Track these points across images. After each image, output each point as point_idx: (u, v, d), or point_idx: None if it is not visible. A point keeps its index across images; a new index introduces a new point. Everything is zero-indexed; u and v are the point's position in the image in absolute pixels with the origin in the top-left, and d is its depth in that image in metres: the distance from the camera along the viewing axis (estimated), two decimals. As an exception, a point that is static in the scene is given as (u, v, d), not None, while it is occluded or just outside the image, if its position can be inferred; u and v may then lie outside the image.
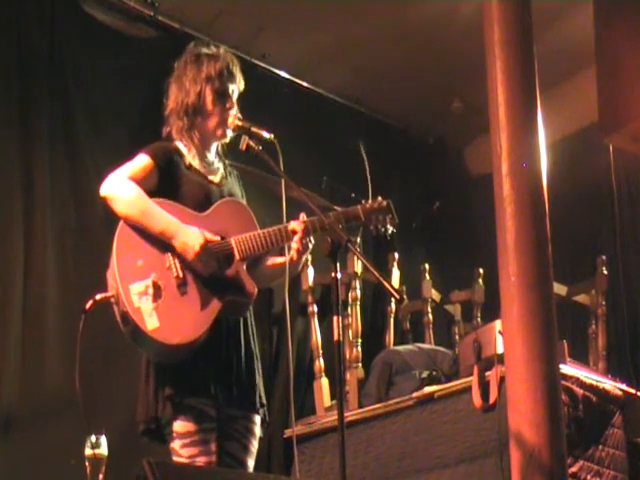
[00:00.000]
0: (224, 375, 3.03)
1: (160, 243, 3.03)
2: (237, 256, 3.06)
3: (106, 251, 3.03)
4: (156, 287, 2.96)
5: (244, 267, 3.07)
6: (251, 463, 3.13)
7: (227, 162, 3.34)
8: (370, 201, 3.18)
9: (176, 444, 2.96)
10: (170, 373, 3.00)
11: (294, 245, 3.09)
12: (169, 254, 3.02)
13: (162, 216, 3.03)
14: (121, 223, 3.05)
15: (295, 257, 3.12)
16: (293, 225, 3.08)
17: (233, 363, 3.05)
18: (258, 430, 3.16)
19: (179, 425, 2.96)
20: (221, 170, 3.29)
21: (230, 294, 3.03)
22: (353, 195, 3.20)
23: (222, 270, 3.04)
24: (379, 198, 3.19)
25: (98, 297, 2.97)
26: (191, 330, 2.95)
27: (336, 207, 3.19)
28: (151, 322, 2.92)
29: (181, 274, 3.00)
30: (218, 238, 3.05)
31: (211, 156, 3.27)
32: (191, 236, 3.00)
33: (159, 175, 3.13)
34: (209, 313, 2.98)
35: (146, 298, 2.94)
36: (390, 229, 3.20)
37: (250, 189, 3.43)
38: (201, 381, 2.99)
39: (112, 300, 2.97)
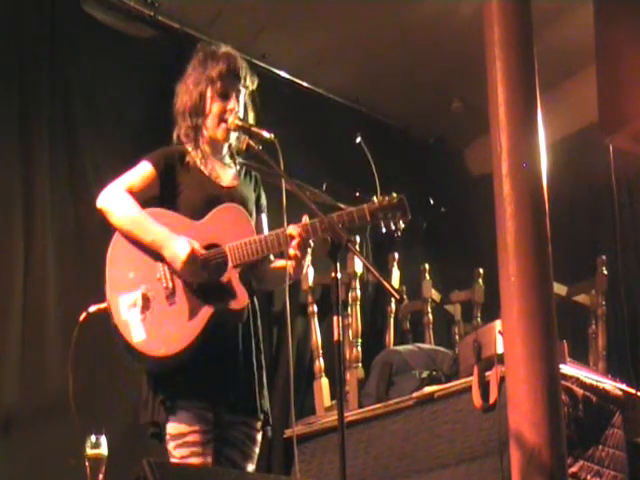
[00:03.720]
0: (221, 380, 3.01)
1: (152, 254, 3.02)
2: (230, 263, 3.04)
3: (105, 252, 3.03)
4: (145, 299, 2.96)
5: (237, 275, 3.05)
6: (251, 468, 3.12)
7: (241, 162, 3.32)
8: (380, 197, 3.07)
9: (170, 445, 2.97)
10: (166, 378, 2.99)
11: (291, 252, 3.04)
12: (160, 264, 3.02)
13: (152, 226, 3.03)
14: (116, 235, 3.06)
15: (293, 264, 3.08)
16: (290, 230, 3.03)
17: (231, 369, 3.04)
18: (259, 436, 3.14)
19: (171, 427, 2.96)
20: (233, 171, 3.27)
21: (220, 303, 3.01)
22: (357, 194, 3.15)
23: (214, 278, 3.02)
24: (393, 194, 3.08)
25: (91, 310, 2.99)
26: (177, 341, 2.94)
27: (341, 205, 3.15)
28: (138, 334, 2.92)
29: (170, 285, 2.99)
30: (204, 251, 3.03)
31: (221, 157, 3.26)
32: (179, 246, 2.99)
33: (161, 182, 3.13)
34: (197, 323, 2.97)
35: (134, 310, 2.95)
36: (402, 226, 3.09)
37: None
38: (196, 385, 2.98)
39: (107, 311, 2.98)
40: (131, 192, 3.07)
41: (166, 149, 3.22)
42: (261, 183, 3.36)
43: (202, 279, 3.00)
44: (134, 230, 3.02)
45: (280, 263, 3.19)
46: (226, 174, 3.23)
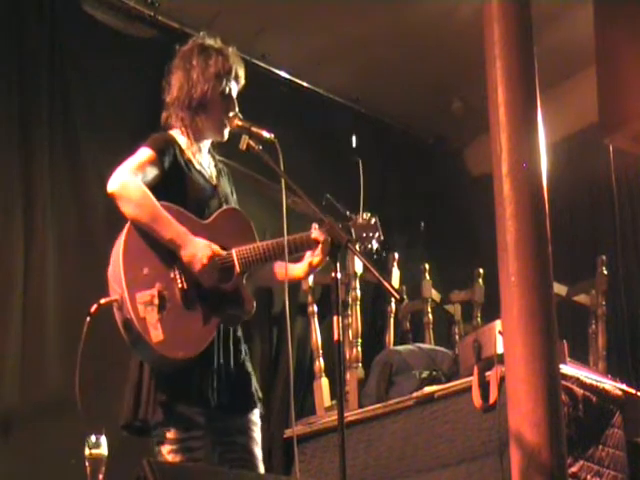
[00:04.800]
0: (219, 380, 3.02)
1: (166, 251, 3.00)
2: (237, 269, 3.04)
3: (106, 251, 3.02)
4: (161, 297, 2.93)
5: (244, 280, 3.06)
6: (258, 451, 3.12)
7: (218, 158, 3.33)
8: (359, 217, 3.16)
9: (164, 449, 2.96)
10: (165, 379, 2.98)
11: (318, 252, 3.09)
12: (174, 264, 3.00)
13: (171, 224, 2.99)
14: (128, 226, 3.00)
15: (315, 263, 3.13)
16: (316, 234, 3.08)
17: (225, 366, 3.04)
18: (258, 419, 3.16)
19: (168, 431, 2.95)
20: (212, 167, 3.28)
21: (229, 309, 3.03)
22: (348, 213, 3.18)
23: (223, 282, 3.03)
24: (367, 214, 3.17)
25: (103, 301, 2.95)
26: (194, 345, 2.94)
27: (325, 219, 3.16)
28: (155, 334, 2.89)
29: (185, 286, 2.98)
30: (224, 252, 3.04)
31: (205, 151, 3.26)
32: (199, 248, 2.99)
33: (162, 170, 3.09)
34: (211, 327, 2.98)
35: (151, 308, 2.91)
36: (376, 246, 3.18)
37: (247, 190, 3.42)
38: (195, 389, 2.97)
39: (115, 305, 2.96)
40: (140, 177, 3.03)
41: (164, 136, 3.17)
42: (232, 177, 3.38)
43: (215, 283, 3.01)
44: (152, 224, 2.97)
45: (296, 269, 3.20)
46: (210, 170, 3.24)
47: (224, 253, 3.04)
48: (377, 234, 3.17)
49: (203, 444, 2.98)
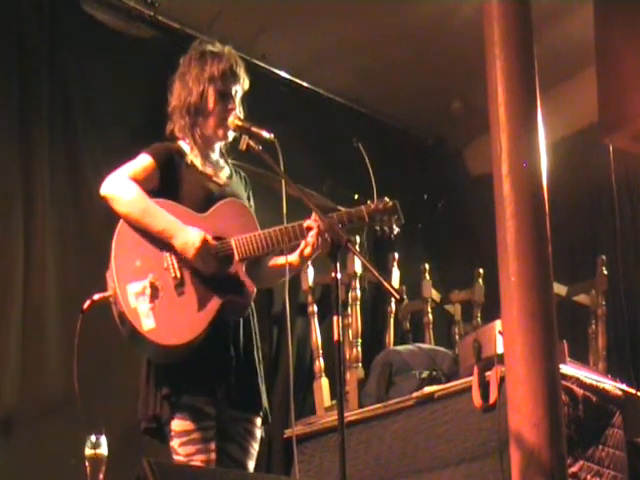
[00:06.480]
0: (224, 375, 3.02)
1: (159, 243, 3.02)
2: (237, 257, 3.06)
3: (106, 251, 3.03)
4: (153, 287, 2.95)
5: (243, 268, 3.07)
6: (251, 465, 3.13)
7: (231, 162, 3.34)
8: (375, 201, 3.17)
9: (175, 442, 2.97)
10: (168, 372, 3.00)
11: (310, 240, 3.09)
12: (167, 254, 3.02)
13: (162, 215, 3.03)
14: (121, 222, 3.05)
15: (308, 252, 3.12)
16: (309, 222, 3.08)
17: (233, 364, 3.05)
18: (259, 432, 3.16)
19: (176, 424, 2.96)
20: (226, 170, 3.29)
21: (228, 295, 3.02)
22: (356, 196, 3.18)
23: (221, 270, 3.04)
24: (385, 198, 3.18)
25: (96, 297, 2.96)
26: (187, 331, 2.95)
27: (340, 207, 3.18)
28: (147, 323, 2.91)
29: (179, 274, 2.99)
30: (215, 243, 3.05)
31: (215, 155, 3.28)
32: (191, 235, 3.00)
33: (160, 175, 3.13)
34: (206, 314, 2.98)
35: (143, 299, 2.94)
36: (396, 230, 3.19)
37: (253, 188, 3.43)
38: (200, 380, 2.98)
39: (110, 300, 2.97)
40: (135, 181, 3.07)
41: (164, 143, 3.22)
42: (250, 184, 3.39)
43: (212, 269, 3.01)
44: (143, 218, 3.01)
45: (280, 260, 3.20)
46: (219, 172, 3.25)
47: (215, 243, 3.04)
48: (396, 217, 3.17)
49: (214, 434, 2.99)
